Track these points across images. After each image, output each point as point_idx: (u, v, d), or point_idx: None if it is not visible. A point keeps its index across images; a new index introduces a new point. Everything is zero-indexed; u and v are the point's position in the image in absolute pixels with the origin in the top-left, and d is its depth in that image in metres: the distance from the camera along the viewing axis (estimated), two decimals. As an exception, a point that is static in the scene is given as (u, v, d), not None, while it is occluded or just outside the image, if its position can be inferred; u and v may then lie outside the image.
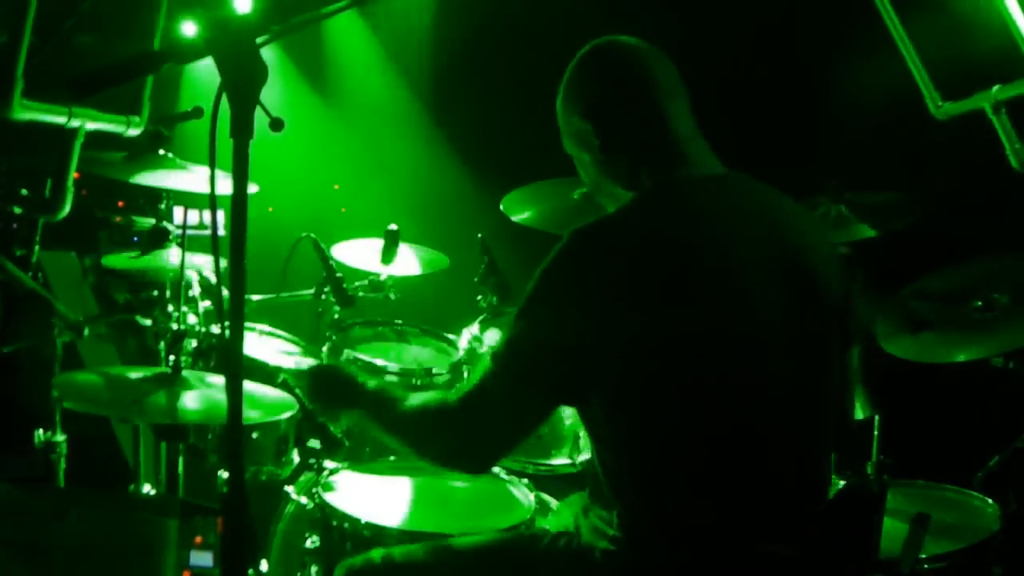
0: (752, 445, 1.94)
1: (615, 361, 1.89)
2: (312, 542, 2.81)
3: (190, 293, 3.35)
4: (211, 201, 1.60)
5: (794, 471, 1.99)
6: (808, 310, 2.00)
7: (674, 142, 2.06)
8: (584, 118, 2.09)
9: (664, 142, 2.06)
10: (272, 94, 1.54)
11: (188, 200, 3.57)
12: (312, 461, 3.12)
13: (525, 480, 2.97)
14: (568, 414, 3.06)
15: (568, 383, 1.95)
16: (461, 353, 3.43)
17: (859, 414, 3.17)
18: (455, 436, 2.06)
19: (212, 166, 1.57)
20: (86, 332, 3.19)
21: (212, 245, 1.62)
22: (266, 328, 3.57)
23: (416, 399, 2.14)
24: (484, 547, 2.23)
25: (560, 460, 3.12)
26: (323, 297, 3.60)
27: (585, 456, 3.09)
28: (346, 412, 2.36)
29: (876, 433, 3.24)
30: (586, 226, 1.98)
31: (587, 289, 1.90)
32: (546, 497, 3.10)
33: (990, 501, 2.86)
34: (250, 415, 2.75)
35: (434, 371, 3.36)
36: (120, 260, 3.50)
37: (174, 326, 3.25)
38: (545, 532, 2.24)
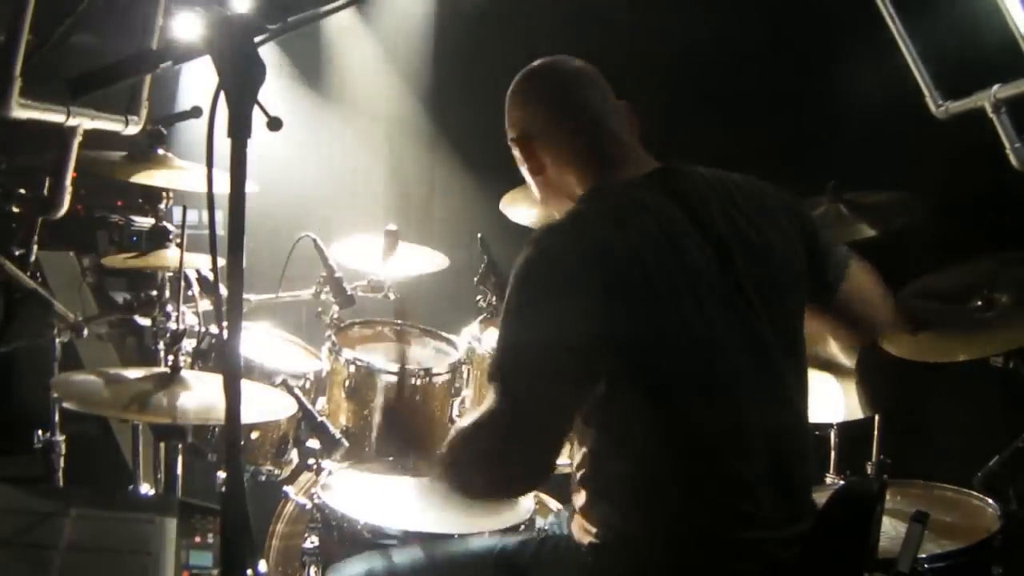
0: (732, 440, 1.96)
1: (595, 361, 1.91)
2: (311, 542, 2.81)
3: (189, 293, 3.35)
4: (209, 201, 1.59)
5: (776, 462, 2.00)
6: (767, 296, 2.03)
7: (607, 154, 2.14)
8: (517, 140, 2.21)
9: (596, 154, 2.14)
10: (270, 93, 1.54)
11: (187, 200, 3.57)
12: (312, 461, 3.12)
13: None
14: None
15: (568, 383, 1.95)
16: (461, 353, 3.43)
17: (859, 414, 3.17)
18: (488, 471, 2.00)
19: (210, 165, 1.57)
20: (85, 332, 3.19)
21: (211, 245, 1.61)
22: (266, 328, 3.57)
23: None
24: (479, 552, 2.23)
25: (560, 460, 3.12)
26: (323, 297, 3.60)
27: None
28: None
29: (876, 433, 3.25)
30: (539, 232, 2.02)
31: (559, 290, 1.93)
32: (546, 497, 3.11)
33: (990, 501, 2.86)
34: (249, 415, 2.75)
35: (434, 371, 3.36)
36: (119, 260, 3.50)
37: (173, 326, 3.25)
38: (535, 536, 2.23)
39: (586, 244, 1.96)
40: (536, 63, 2.25)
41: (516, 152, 2.25)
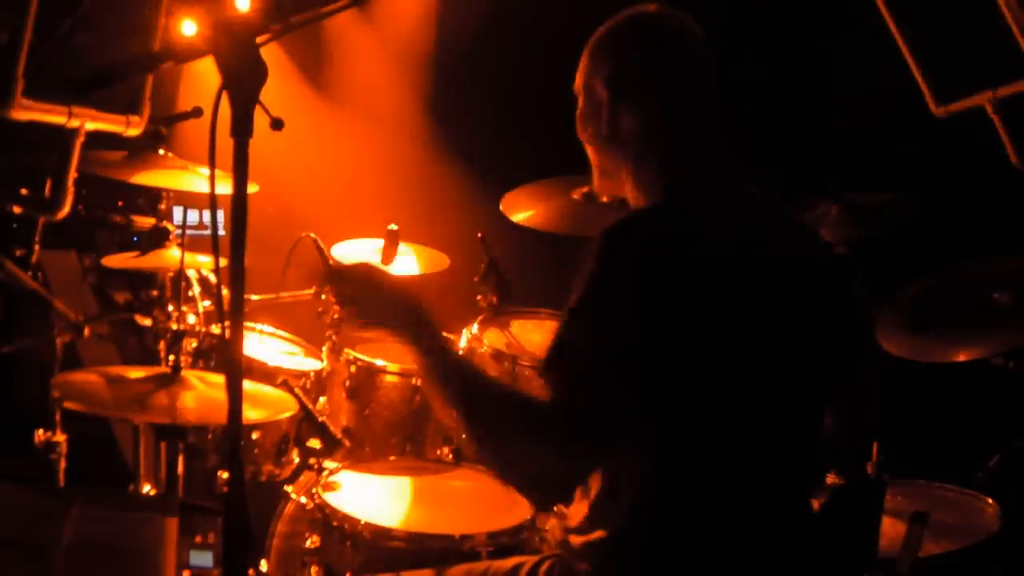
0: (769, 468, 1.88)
1: (669, 365, 1.75)
2: (312, 542, 2.81)
3: (190, 293, 3.35)
4: (211, 201, 1.60)
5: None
6: (822, 323, 1.95)
7: (696, 139, 1.91)
8: (606, 88, 1.91)
9: (697, 143, 1.91)
10: (272, 93, 1.54)
11: (188, 200, 3.57)
12: (312, 461, 3.12)
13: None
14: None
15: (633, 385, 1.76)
16: (461, 353, 3.43)
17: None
18: (549, 439, 1.78)
19: (212, 166, 1.57)
20: (86, 332, 3.19)
21: (212, 245, 1.61)
22: (266, 328, 3.57)
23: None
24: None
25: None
26: (323, 297, 3.59)
27: None
28: (408, 337, 2.05)
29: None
30: (623, 223, 1.79)
31: (646, 289, 1.74)
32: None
33: (990, 501, 2.86)
34: (250, 415, 2.75)
35: (434, 371, 3.35)
36: (120, 260, 3.50)
37: (174, 326, 3.25)
38: (527, 559, 2.19)
39: (695, 239, 1.78)
40: (653, 10, 1.93)
41: (589, 106, 1.93)
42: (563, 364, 1.77)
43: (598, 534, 1.90)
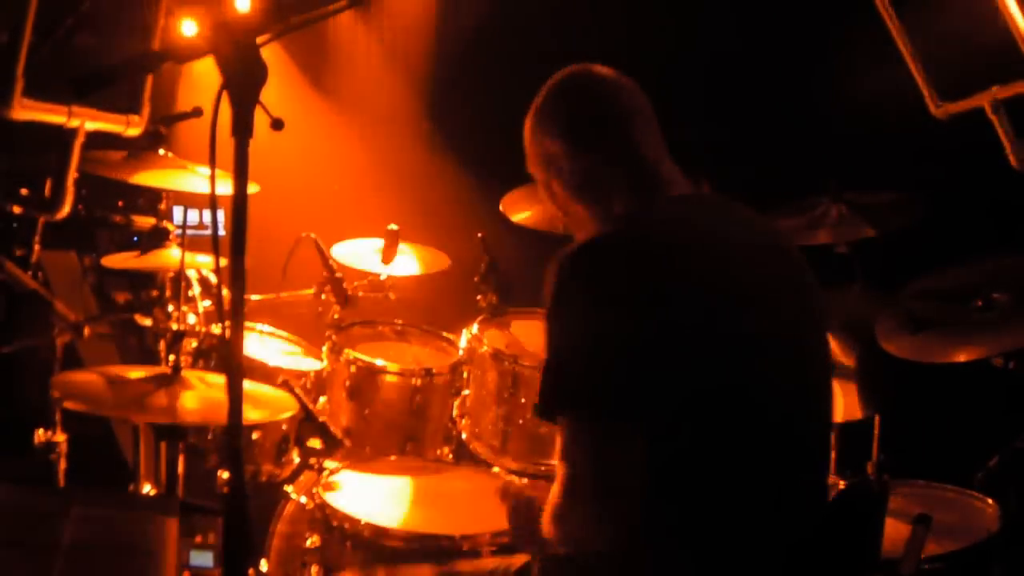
0: (768, 466, 1.89)
1: (642, 376, 1.82)
2: (312, 542, 2.82)
3: (190, 293, 3.35)
4: (211, 201, 1.60)
5: (805, 483, 1.97)
6: (804, 318, 2.00)
7: (647, 165, 2.06)
8: (557, 139, 2.09)
9: (637, 166, 2.06)
10: (272, 94, 1.54)
11: (188, 200, 3.57)
12: (312, 461, 3.13)
13: (525, 480, 2.97)
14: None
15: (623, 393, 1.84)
16: (461, 353, 3.43)
17: (859, 414, 3.17)
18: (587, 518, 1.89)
19: (212, 166, 1.57)
20: (86, 332, 3.19)
21: (212, 245, 1.61)
22: (266, 328, 3.57)
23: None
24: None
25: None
26: (323, 297, 3.60)
27: None
28: None
29: (876, 433, 3.24)
30: (580, 247, 1.94)
31: (603, 301, 1.85)
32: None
33: (990, 501, 2.86)
34: (250, 415, 2.75)
35: (434, 371, 3.36)
36: (120, 260, 3.50)
37: (174, 326, 3.25)
38: (533, 561, 2.19)
39: (650, 248, 1.90)
40: (560, 79, 2.14)
41: (552, 149, 2.11)
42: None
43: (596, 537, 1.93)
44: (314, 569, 2.77)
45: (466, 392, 3.39)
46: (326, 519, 2.73)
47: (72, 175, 3.29)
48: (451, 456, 3.36)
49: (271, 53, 1.55)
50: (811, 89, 4.27)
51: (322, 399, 3.36)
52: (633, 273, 1.86)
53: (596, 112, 2.08)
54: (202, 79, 4.38)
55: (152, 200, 3.65)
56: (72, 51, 3.35)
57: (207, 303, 3.37)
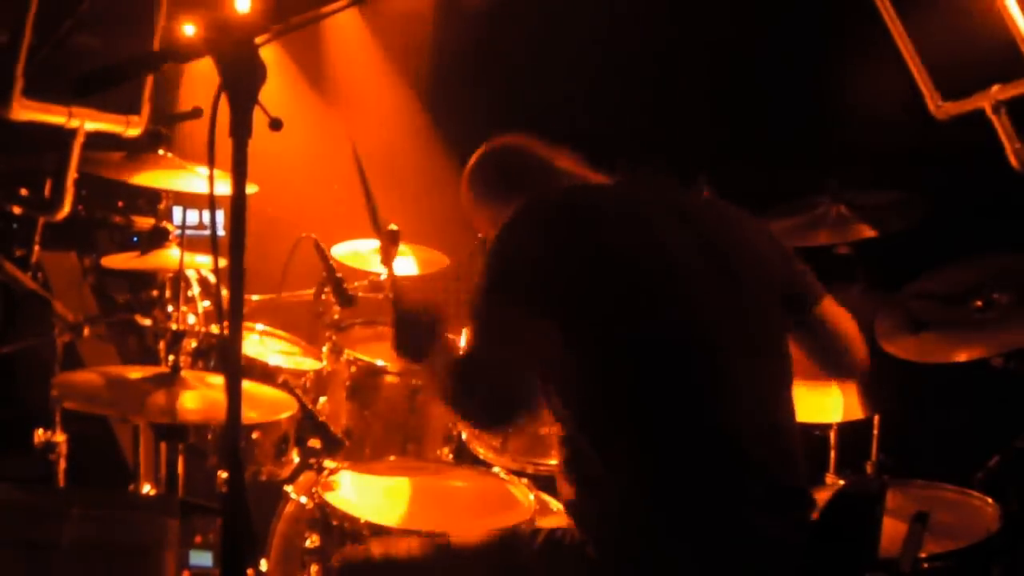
0: (722, 431, 2.00)
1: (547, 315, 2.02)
2: (312, 542, 2.82)
3: (189, 293, 3.35)
4: (210, 201, 1.60)
5: (764, 447, 2.02)
6: (741, 291, 2.09)
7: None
8: (484, 205, 2.43)
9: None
10: (271, 94, 1.54)
11: (188, 200, 3.57)
12: (312, 461, 3.12)
13: (525, 480, 2.97)
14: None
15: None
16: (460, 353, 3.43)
17: (859, 414, 3.17)
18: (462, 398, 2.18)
19: (211, 166, 1.57)
20: (86, 332, 3.19)
21: (212, 245, 1.61)
22: (266, 328, 3.57)
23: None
24: (481, 545, 2.24)
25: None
26: (323, 297, 3.59)
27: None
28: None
29: (876, 433, 3.24)
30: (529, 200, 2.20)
31: (540, 227, 2.11)
32: (546, 497, 3.10)
33: (990, 501, 2.86)
34: (250, 415, 2.75)
35: (434, 371, 3.35)
36: (120, 260, 3.50)
37: (174, 326, 3.25)
38: (541, 529, 2.25)
39: (576, 206, 2.14)
40: (473, 164, 2.52)
41: (484, 214, 2.45)
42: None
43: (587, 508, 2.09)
44: (314, 569, 2.77)
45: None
46: (326, 519, 2.72)
47: (72, 175, 3.29)
48: (451, 456, 3.36)
49: (271, 53, 1.55)
50: (811, 89, 4.27)
51: (322, 399, 3.36)
52: (569, 214, 2.13)
53: (514, 167, 2.42)
54: (202, 79, 4.39)
55: (152, 200, 3.65)
56: (72, 51, 3.36)
57: (206, 303, 3.37)
